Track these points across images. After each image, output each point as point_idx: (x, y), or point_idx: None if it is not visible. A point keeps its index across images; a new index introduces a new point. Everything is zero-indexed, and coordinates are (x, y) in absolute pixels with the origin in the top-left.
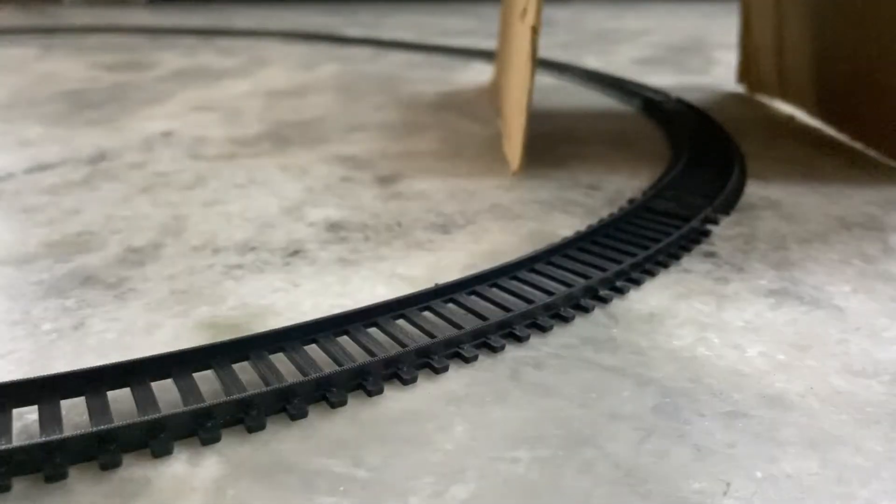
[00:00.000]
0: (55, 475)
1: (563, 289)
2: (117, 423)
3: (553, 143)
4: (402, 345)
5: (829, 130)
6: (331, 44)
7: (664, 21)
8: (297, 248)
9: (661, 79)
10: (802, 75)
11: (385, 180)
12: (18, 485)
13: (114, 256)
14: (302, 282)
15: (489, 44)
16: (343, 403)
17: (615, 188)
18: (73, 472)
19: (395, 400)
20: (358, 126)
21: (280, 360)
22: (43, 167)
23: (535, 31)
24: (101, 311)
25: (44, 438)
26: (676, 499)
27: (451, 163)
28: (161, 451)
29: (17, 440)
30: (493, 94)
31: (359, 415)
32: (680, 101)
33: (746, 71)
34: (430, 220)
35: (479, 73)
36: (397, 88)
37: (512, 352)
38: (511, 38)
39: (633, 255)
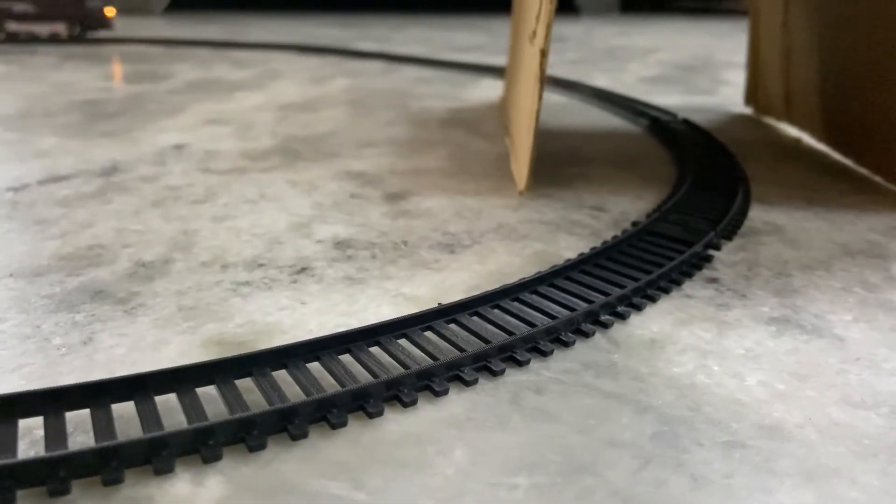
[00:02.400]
0: (59, 490)
1: (565, 312)
2: (120, 439)
3: (560, 163)
4: (404, 366)
5: (836, 155)
6: (343, 57)
7: (673, 39)
8: (304, 265)
9: (668, 98)
10: (809, 99)
11: (393, 197)
12: (23, 500)
13: (124, 271)
14: (308, 300)
15: (499, 60)
16: (344, 424)
17: (620, 210)
18: (76, 486)
19: (395, 422)
20: (368, 142)
21: (282, 379)
22: (57, 179)
23: (543, 54)
24: (111, 326)
25: (47, 454)
26: None
27: (458, 180)
28: (163, 469)
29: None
30: (502, 112)
31: (360, 437)
32: (687, 122)
33: (754, 93)
34: (437, 240)
35: (488, 90)
36: (407, 104)
37: (513, 376)
38: (520, 59)
39: (636, 279)
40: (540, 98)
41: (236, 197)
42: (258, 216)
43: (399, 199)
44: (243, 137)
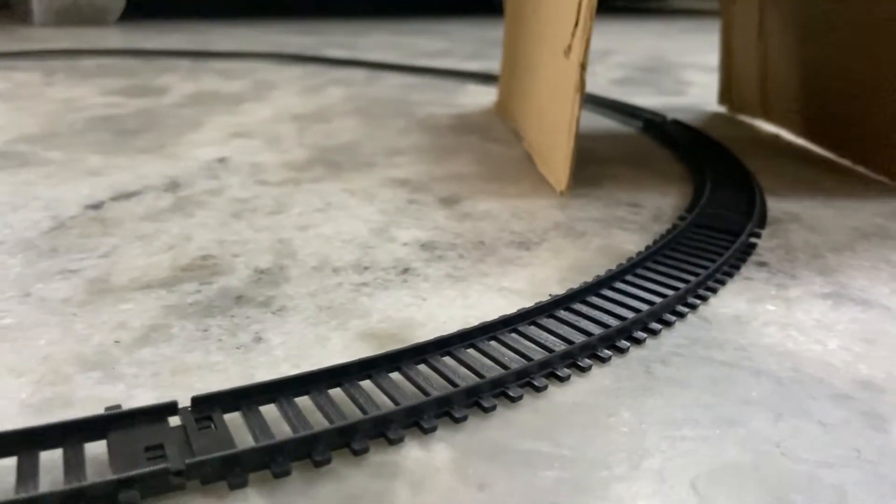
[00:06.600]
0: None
1: (657, 299)
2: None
3: (580, 164)
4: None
5: (816, 149)
6: (323, 66)
7: (622, 41)
8: (404, 266)
9: (644, 100)
10: (788, 99)
11: (448, 202)
12: None
13: (248, 277)
14: (427, 296)
15: (472, 65)
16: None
17: (654, 205)
18: None
19: (560, 395)
20: (395, 150)
21: (447, 364)
22: (126, 195)
23: (583, 67)
24: (269, 326)
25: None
26: (822, 464)
27: (497, 184)
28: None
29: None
30: (507, 119)
31: (538, 406)
32: (676, 123)
33: (727, 92)
34: (509, 239)
35: (476, 95)
36: (410, 112)
37: (635, 352)
38: (542, 69)
39: (706, 266)
40: (580, 106)
41: (305, 207)
42: (336, 224)
43: (454, 203)
44: (277, 150)
